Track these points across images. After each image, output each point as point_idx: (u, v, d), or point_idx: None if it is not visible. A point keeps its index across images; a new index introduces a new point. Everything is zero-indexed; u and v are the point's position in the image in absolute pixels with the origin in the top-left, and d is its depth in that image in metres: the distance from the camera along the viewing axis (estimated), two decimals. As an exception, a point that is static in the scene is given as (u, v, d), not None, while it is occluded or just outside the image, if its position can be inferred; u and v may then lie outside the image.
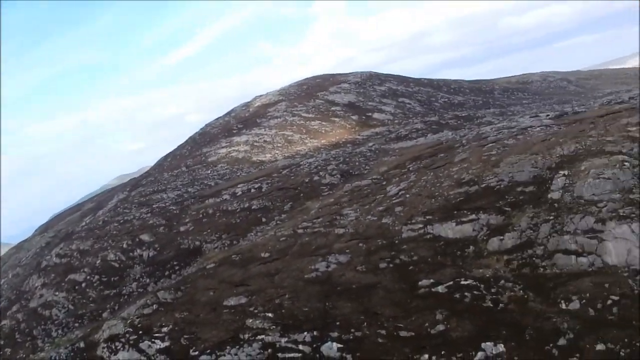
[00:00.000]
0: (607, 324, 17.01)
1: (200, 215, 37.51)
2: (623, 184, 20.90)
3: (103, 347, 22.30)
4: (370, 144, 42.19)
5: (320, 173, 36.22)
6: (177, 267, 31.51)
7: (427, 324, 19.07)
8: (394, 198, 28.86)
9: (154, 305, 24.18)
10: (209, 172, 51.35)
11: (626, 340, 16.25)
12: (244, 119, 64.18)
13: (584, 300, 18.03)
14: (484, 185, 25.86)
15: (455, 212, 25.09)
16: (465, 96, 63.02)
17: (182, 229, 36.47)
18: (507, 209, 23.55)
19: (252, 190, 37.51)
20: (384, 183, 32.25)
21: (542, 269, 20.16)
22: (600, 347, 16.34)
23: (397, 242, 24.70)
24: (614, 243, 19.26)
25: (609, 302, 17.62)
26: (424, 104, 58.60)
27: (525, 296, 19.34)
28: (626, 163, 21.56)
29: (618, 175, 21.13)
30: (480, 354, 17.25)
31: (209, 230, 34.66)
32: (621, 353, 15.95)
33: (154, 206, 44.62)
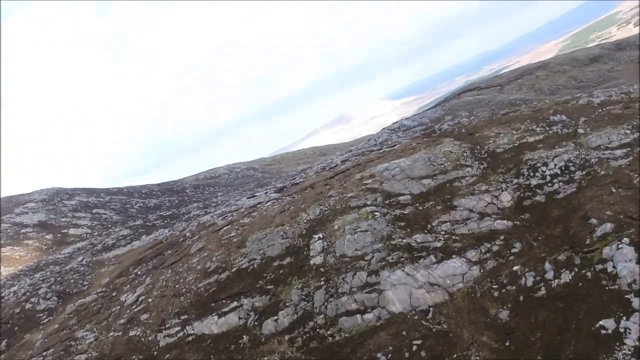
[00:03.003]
0: (423, 370, 16.22)
1: None
2: (381, 232, 21.06)
3: None
4: (80, 259, 36.92)
5: (32, 299, 29.94)
6: None
7: None
8: (135, 306, 24.91)
9: None
10: None
11: (449, 378, 15.62)
12: None
13: (389, 355, 17.07)
14: (234, 269, 23.82)
15: (213, 304, 22.50)
16: (159, 198, 60.99)
17: None
18: (269, 287, 21.86)
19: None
20: (115, 294, 27.83)
21: (330, 338, 18.78)
22: (429, 395, 15.37)
23: (155, 353, 20.99)
24: (394, 290, 18.96)
25: (415, 347, 16.98)
26: (121, 212, 54.84)
27: (326, 370, 17.62)
28: (376, 213, 21.88)
29: (374, 226, 21.26)
30: None
31: None
32: (451, 393, 15.20)
33: None
